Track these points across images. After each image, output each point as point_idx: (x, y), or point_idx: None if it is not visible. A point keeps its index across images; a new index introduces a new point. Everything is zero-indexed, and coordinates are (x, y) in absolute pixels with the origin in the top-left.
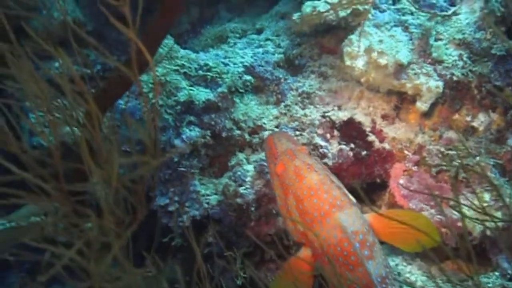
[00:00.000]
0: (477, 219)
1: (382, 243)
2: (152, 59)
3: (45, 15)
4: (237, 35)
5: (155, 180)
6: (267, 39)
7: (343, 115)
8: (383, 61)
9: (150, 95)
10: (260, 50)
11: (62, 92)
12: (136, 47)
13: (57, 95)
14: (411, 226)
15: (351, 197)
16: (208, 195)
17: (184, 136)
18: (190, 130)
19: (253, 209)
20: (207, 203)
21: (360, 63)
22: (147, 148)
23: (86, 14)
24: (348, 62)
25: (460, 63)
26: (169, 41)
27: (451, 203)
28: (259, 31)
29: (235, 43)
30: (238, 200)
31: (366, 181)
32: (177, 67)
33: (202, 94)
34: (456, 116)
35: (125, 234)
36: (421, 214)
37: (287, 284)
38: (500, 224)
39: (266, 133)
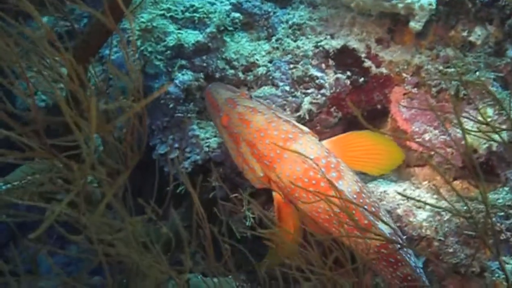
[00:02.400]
0: (481, 132)
1: None
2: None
3: None
4: None
5: (144, 125)
6: None
7: (337, 43)
8: None
9: (138, 42)
10: None
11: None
12: None
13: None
14: (373, 149)
15: (302, 126)
16: (207, 138)
17: (177, 81)
18: (183, 75)
19: None
20: (208, 146)
21: None
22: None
23: None
24: None
25: None
26: None
27: (455, 121)
28: None
29: None
30: None
31: (366, 108)
32: (163, 11)
33: (191, 37)
34: (452, 32)
35: (116, 182)
36: (379, 133)
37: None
38: (506, 137)
39: (260, 70)
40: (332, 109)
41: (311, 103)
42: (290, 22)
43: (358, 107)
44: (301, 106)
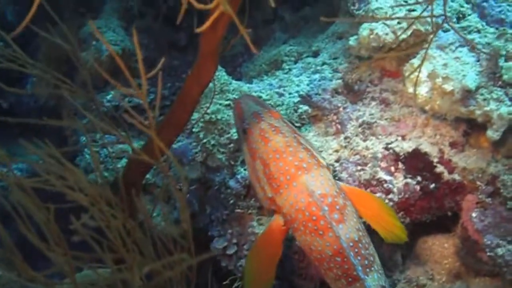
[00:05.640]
0: None
1: None
2: (187, 120)
3: (95, 46)
4: (292, 59)
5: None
6: (324, 63)
7: (408, 146)
8: (448, 87)
9: (201, 134)
10: (317, 76)
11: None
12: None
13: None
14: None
15: (320, 158)
16: None
17: (239, 176)
18: (245, 169)
19: None
20: None
21: (423, 90)
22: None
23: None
24: (410, 89)
25: None
26: (220, 73)
27: None
28: (315, 54)
29: (290, 69)
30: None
31: (435, 214)
32: (228, 102)
33: None
34: None
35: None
36: (391, 209)
37: (261, 256)
38: None
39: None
40: (399, 214)
41: None
42: (360, 120)
43: (427, 213)
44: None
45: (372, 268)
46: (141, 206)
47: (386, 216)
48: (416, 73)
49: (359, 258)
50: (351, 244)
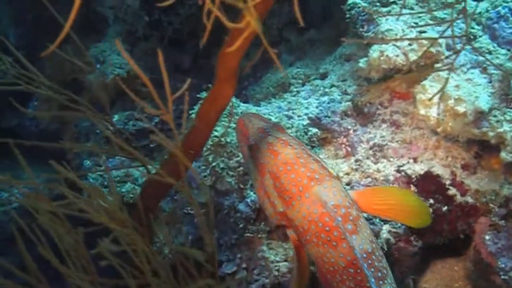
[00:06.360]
0: None
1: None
2: (203, 145)
3: (100, 69)
4: (300, 81)
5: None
6: (332, 85)
7: (420, 168)
8: (461, 109)
9: (210, 157)
10: (326, 98)
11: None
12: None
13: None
14: (399, 204)
15: (331, 170)
16: (277, 261)
17: (248, 200)
18: (255, 193)
19: None
20: (277, 270)
21: (435, 112)
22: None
23: (141, 65)
24: (422, 111)
25: None
26: None
27: None
28: (323, 76)
29: (298, 91)
30: (312, 267)
31: (448, 237)
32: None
33: None
34: None
35: None
36: (409, 191)
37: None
38: None
39: None
40: (411, 238)
41: (389, 231)
42: (371, 142)
43: (439, 236)
44: (379, 235)
45: (385, 281)
46: (164, 231)
47: (405, 202)
48: (427, 95)
49: (372, 269)
50: (364, 255)
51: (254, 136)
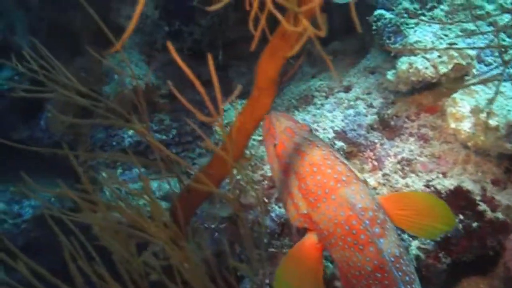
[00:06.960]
0: None
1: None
2: (239, 157)
3: (117, 81)
4: (323, 94)
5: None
6: (358, 98)
7: (449, 183)
8: (493, 122)
9: (234, 170)
10: (351, 111)
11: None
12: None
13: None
14: (426, 210)
15: (357, 173)
16: None
17: (273, 214)
18: (280, 207)
19: None
20: None
21: (466, 126)
22: None
23: (160, 76)
24: (452, 125)
25: None
26: None
27: None
28: (347, 89)
29: (322, 104)
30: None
31: (476, 254)
32: (261, 137)
33: None
34: None
35: None
36: (436, 198)
37: (295, 273)
38: None
39: None
40: (440, 254)
41: (419, 248)
42: (399, 157)
43: (468, 253)
44: (408, 251)
45: (413, 286)
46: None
47: (432, 207)
48: (458, 108)
49: (400, 273)
50: (392, 259)
51: (280, 136)
